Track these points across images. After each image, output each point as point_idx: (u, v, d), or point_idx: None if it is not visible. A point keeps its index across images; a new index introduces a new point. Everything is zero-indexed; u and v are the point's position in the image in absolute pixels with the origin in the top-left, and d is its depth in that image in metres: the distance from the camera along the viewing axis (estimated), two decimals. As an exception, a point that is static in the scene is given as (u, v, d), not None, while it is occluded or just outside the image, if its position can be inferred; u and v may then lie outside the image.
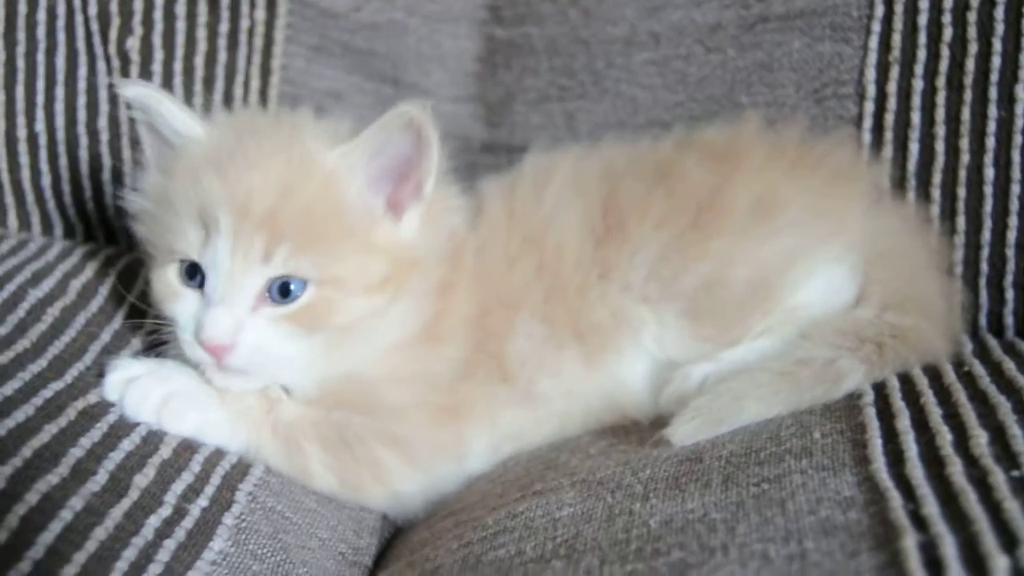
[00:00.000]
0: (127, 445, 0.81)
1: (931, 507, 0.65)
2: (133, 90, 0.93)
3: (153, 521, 0.75)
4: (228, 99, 1.25)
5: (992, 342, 1.02)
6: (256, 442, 0.90)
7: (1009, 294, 1.10)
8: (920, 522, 0.64)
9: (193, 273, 0.89)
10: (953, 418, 0.78)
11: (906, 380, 0.88)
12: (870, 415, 0.81)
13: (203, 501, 0.80)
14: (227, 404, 0.89)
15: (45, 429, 0.78)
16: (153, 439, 0.84)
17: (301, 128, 0.93)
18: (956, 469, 0.69)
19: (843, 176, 1.02)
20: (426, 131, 0.87)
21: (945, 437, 0.74)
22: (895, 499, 0.67)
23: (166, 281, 0.91)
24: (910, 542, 0.61)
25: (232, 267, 0.86)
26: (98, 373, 0.89)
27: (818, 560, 0.62)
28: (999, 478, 0.67)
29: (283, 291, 0.87)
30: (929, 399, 0.82)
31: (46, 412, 0.81)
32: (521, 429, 0.99)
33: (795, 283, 0.97)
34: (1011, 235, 1.09)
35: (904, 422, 0.78)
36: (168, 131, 0.93)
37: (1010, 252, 1.09)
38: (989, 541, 0.60)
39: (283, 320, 0.87)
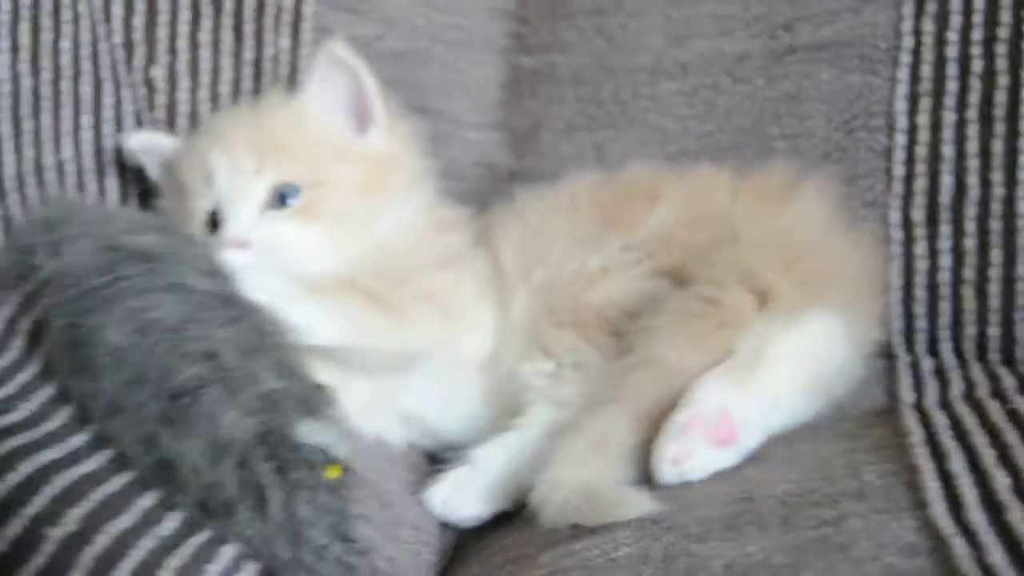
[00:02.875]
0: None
1: (996, 555, 0.66)
2: (135, 140, 1.20)
3: None
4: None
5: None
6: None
7: (1043, 326, 1.11)
8: (986, 570, 0.64)
9: (216, 224, 1.05)
10: (1006, 460, 0.78)
11: (952, 416, 0.88)
12: (922, 455, 0.81)
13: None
14: None
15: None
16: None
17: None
18: (1018, 515, 0.69)
19: None
20: (351, 64, 1.07)
21: (1002, 481, 0.74)
22: (959, 546, 0.67)
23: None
24: (979, 590, 0.62)
25: (232, 183, 1.04)
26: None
27: (889, 608, 0.63)
28: (1059, 523, 0.67)
29: (283, 200, 1.04)
30: (979, 440, 0.82)
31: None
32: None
33: None
34: (1046, 270, 1.10)
35: (958, 464, 0.78)
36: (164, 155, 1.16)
37: (1043, 286, 1.10)
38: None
39: (289, 218, 1.03)
